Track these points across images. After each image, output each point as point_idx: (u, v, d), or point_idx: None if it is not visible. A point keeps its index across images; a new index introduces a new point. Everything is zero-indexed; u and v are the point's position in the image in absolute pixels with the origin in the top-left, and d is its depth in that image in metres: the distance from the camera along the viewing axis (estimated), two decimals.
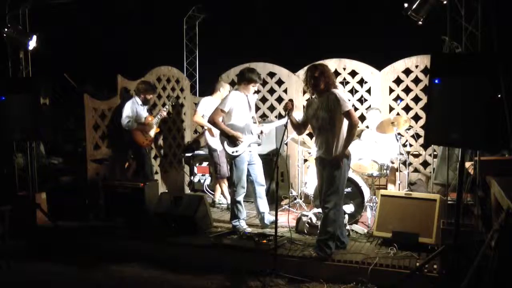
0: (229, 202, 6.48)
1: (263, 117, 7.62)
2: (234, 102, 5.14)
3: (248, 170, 5.26)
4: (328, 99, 4.29)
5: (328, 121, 4.29)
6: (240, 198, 5.27)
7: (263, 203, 5.33)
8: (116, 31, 9.63)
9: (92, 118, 6.08)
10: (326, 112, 4.29)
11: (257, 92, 5.38)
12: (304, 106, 6.94)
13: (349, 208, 5.30)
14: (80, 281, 4.38)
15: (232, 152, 5.12)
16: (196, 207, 5.25)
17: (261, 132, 5.33)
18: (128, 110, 6.07)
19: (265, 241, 4.57)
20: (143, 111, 6.30)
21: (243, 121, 5.19)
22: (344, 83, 6.92)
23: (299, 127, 4.71)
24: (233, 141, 5.10)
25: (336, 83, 4.51)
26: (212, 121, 5.16)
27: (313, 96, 4.48)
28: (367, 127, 6.43)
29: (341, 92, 4.42)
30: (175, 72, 7.64)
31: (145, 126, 6.22)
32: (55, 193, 6.14)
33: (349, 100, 6.84)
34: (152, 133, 6.33)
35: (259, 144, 5.37)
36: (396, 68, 6.66)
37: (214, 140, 6.33)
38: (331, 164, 4.31)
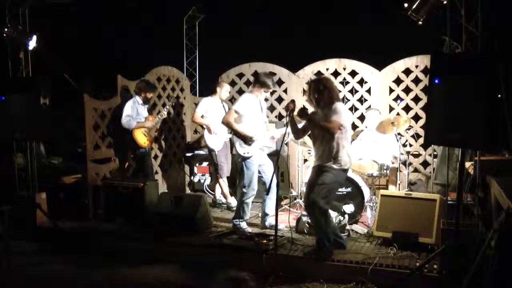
0: (229, 201, 6.48)
1: None
2: (248, 104, 5.13)
3: (259, 172, 5.27)
4: (330, 111, 4.32)
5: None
6: (249, 200, 5.26)
7: (271, 205, 5.31)
8: (116, 31, 9.62)
9: (92, 118, 6.08)
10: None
11: (272, 92, 5.38)
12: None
13: (349, 208, 5.31)
14: (80, 281, 4.37)
15: (244, 153, 5.11)
16: (196, 207, 5.25)
17: (273, 137, 5.32)
18: (128, 109, 6.07)
19: (265, 241, 4.57)
20: (144, 111, 6.30)
21: (255, 124, 5.17)
22: (344, 83, 6.92)
23: (298, 132, 4.73)
24: (246, 142, 5.10)
25: (339, 94, 4.54)
26: (225, 121, 5.15)
27: (317, 108, 4.51)
28: (366, 127, 6.43)
29: (343, 106, 4.46)
30: (175, 72, 7.64)
31: (146, 126, 6.21)
32: (55, 193, 6.14)
33: (349, 100, 6.86)
34: (152, 133, 6.33)
35: (269, 147, 5.39)
36: (396, 68, 6.66)
37: (212, 140, 6.33)
38: (326, 170, 4.36)
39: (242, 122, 5.13)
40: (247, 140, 5.08)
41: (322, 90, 4.36)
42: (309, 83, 4.55)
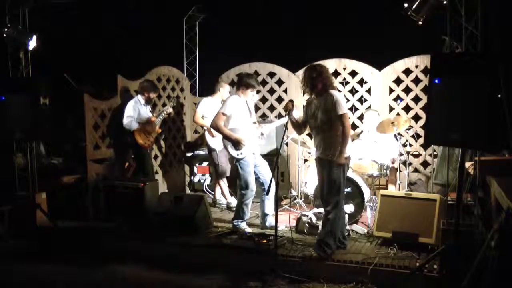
0: (229, 201, 6.49)
1: (263, 117, 7.63)
2: (234, 107, 5.14)
3: (256, 173, 5.27)
4: (327, 100, 4.29)
5: (325, 122, 4.29)
6: (249, 201, 5.26)
7: (269, 205, 5.31)
8: (116, 31, 9.62)
9: (92, 118, 6.08)
10: (324, 113, 4.29)
11: (257, 92, 5.39)
12: (304, 106, 6.95)
13: (349, 208, 5.31)
14: (80, 281, 4.37)
15: (237, 155, 5.12)
16: (196, 207, 5.25)
17: (262, 134, 5.36)
18: (130, 109, 6.06)
19: (265, 241, 4.57)
20: (146, 111, 6.29)
21: (244, 125, 5.19)
22: (344, 83, 6.92)
23: (299, 127, 4.71)
24: (236, 144, 5.11)
25: (334, 83, 4.51)
26: (214, 125, 5.16)
27: (312, 96, 4.48)
28: (366, 127, 6.42)
29: (339, 94, 4.41)
30: (175, 72, 7.64)
31: (147, 127, 6.21)
32: (55, 193, 6.14)
33: (349, 100, 6.85)
34: (154, 133, 6.33)
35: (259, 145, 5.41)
36: (396, 68, 6.66)
37: (213, 140, 6.34)
38: (330, 165, 4.32)
39: (230, 124, 5.14)
40: (236, 144, 5.09)
41: (316, 77, 4.30)
42: (303, 70, 4.50)
